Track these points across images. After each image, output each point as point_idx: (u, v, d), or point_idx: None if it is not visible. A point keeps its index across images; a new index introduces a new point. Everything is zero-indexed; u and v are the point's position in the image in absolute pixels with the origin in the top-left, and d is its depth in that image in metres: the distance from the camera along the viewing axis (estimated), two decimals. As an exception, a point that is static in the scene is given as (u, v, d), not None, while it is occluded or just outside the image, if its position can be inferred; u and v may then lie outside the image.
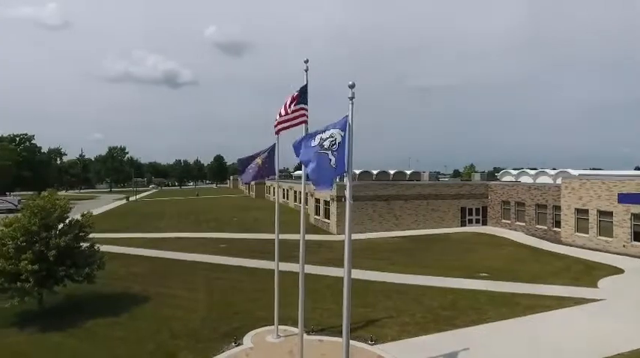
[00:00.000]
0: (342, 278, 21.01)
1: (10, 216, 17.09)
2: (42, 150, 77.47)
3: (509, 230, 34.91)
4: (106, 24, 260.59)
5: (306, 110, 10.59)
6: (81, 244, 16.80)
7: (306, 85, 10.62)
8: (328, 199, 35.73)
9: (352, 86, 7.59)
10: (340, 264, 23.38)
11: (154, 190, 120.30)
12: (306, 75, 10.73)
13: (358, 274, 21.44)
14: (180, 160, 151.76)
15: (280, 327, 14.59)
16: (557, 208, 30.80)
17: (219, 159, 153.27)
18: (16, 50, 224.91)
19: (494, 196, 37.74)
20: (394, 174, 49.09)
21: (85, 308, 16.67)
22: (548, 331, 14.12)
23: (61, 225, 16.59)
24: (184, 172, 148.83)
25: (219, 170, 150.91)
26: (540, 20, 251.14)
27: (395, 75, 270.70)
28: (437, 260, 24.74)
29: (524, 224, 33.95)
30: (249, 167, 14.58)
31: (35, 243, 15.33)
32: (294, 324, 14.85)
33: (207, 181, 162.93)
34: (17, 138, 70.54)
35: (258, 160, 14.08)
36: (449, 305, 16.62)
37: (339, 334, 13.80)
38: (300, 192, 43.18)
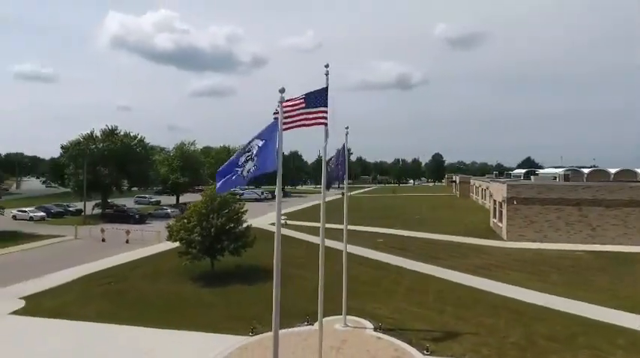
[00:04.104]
0: (458, 285, 19.64)
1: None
2: (284, 154, 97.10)
3: None
4: (348, 40, 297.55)
5: (327, 112, 11.21)
6: (233, 225, 21.74)
7: (326, 88, 11.26)
8: (501, 201, 31.74)
9: (282, 91, 8.17)
10: (482, 274, 21.47)
11: (373, 187, 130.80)
12: (327, 78, 11.36)
13: (487, 285, 19.24)
14: (398, 159, 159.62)
15: (355, 318, 15.32)
16: None
17: (437, 157, 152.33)
18: (283, 73, 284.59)
19: None
20: (615, 174, 38.36)
21: (237, 276, 21.52)
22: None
23: (226, 210, 22.00)
24: (402, 171, 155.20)
25: (436, 168, 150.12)
26: None
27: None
28: (610, 285, 19.07)
29: None
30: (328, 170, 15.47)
31: (204, 222, 21.08)
32: (373, 319, 15.31)
33: (425, 179, 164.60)
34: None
35: (331, 164, 15.08)
36: (564, 337, 13.29)
37: (404, 337, 13.59)
38: (484, 189, 39.36)
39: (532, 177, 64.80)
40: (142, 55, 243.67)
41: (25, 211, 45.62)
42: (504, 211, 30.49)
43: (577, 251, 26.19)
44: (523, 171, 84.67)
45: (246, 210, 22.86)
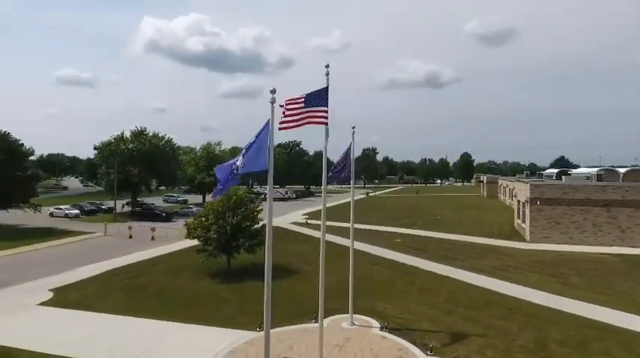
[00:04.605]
0: (472, 287, 19.25)
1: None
2: (309, 154, 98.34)
3: None
4: (375, 40, 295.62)
5: (327, 112, 11.33)
6: (249, 223, 22.17)
7: (327, 88, 11.39)
8: (524, 201, 30.80)
9: (273, 91, 8.36)
10: (499, 275, 20.93)
11: (400, 187, 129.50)
12: (327, 79, 11.49)
13: (502, 287, 18.82)
14: (425, 159, 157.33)
15: (362, 317, 15.38)
16: None
17: (466, 157, 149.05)
18: (310, 73, 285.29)
19: None
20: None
21: (253, 273, 21.86)
22: None
23: (242, 209, 22.49)
24: (430, 170, 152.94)
25: (465, 168, 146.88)
26: None
27: None
28: (633, 289, 18.25)
29: None
30: (336, 169, 15.65)
31: (220, 220, 21.63)
32: (381, 318, 15.30)
33: (453, 179, 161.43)
34: (291, 144, 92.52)
35: (341, 162, 15.19)
36: (576, 342, 12.87)
37: (409, 337, 13.54)
38: (511, 189, 38.29)
39: (563, 177, 62.54)
40: (175, 58, 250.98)
41: (61, 209, 48.06)
42: (527, 212, 29.60)
43: (603, 254, 25.12)
44: (555, 170, 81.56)
45: (262, 209, 23.27)
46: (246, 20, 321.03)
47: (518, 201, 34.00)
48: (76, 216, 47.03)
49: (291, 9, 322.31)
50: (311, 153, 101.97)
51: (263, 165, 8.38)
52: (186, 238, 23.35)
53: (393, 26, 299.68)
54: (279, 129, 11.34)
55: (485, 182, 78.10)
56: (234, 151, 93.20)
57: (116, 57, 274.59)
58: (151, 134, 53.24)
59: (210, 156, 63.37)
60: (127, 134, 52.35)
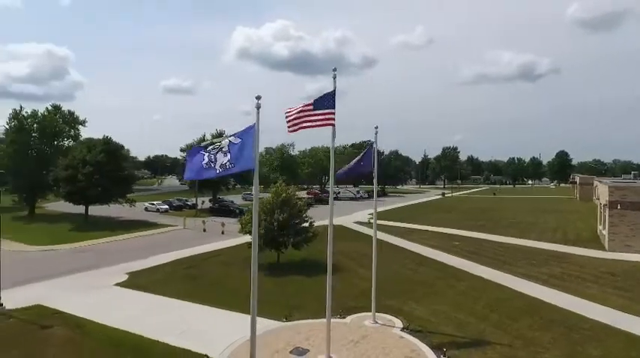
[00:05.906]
0: (518, 294, 18.15)
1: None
2: (383, 153, 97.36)
3: None
4: (461, 33, 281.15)
5: (334, 114, 11.77)
6: (298, 221, 23.26)
7: (334, 90, 11.82)
8: (604, 204, 27.43)
9: (258, 98, 9.02)
10: (554, 284, 19.33)
11: (484, 188, 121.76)
12: (334, 82, 11.88)
13: (551, 297, 17.39)
14: (514, 158, 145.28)
15: (388, 316, 15.51)
16: None
17: (562, 156, 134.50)
18: (394, 71, 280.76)
19: None
20: None
21: (299, 268, 22.90)
22: None
23: (288, 207, 23.68)
24: (518, 170, 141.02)
25: (560, 167, 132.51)
26: None
27: None
28: None
29: None
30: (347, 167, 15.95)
31: (268, 217, 23.07)
32: (406, 319, 15.28)
33: (547, 180, 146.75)
34: (365, 144, 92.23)
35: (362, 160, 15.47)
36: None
37: (427, 340, 13.43)
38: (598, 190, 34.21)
39: (675, 177, 53.83)
40: (262, 64, 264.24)
41: (154, 204, 54.42)
42: (607, 217, 26.40)
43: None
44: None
45: (308, 208, 24.24)
46: (329, 22, 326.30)
47: (600, 205, 30.39)
48: (166, 211, 52.86)
49: (373, 8, 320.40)
50: (386, 152, 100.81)
51: (250, 165, 9.17)
52: (239, 233, 25.24)
53: (478, 18, 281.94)
54: (289, 131, 12.08)
55: (578, 183, 70.17)
56: (313, 152, 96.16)
57: (212, 65, 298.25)
58: (228, 136, 57.53)
59: (284, 157, 66.51)
60: (208, 136, 57.22)
